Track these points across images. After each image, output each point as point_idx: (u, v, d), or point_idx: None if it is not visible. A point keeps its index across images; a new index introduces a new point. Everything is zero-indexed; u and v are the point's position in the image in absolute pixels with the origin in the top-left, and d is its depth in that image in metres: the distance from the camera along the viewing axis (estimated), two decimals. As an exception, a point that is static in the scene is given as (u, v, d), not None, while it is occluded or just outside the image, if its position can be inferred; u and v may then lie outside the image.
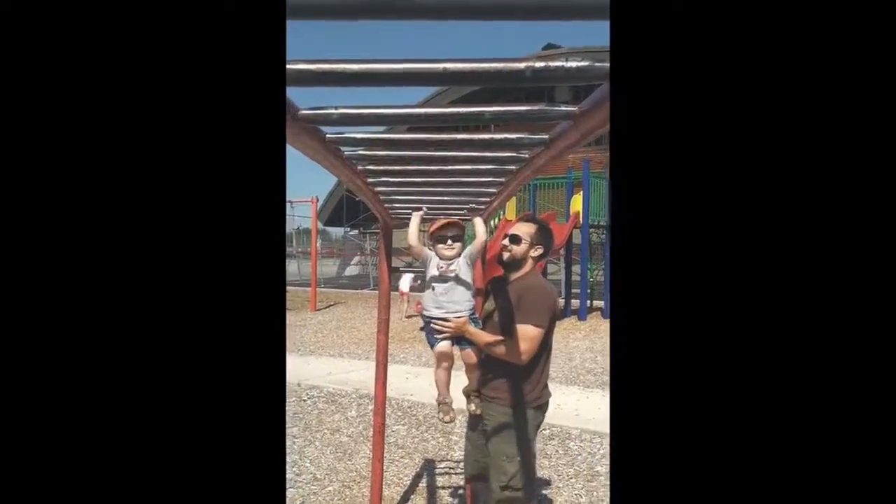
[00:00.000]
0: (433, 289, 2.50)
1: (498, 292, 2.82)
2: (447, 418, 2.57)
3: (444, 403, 2.59)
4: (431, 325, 2.54)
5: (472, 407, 2.73)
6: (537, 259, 2.83)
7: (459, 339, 2.58)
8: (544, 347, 2.75)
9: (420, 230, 2.47)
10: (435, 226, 2.52)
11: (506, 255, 2.78)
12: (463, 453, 3.31)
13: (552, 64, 0.80)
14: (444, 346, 2.54)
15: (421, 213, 2.46)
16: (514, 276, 2.79)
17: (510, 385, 2.72)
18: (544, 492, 4.09)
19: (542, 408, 2.86)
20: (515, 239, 2.76)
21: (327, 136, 1.27)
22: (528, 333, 2.61)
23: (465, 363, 2.66)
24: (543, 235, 2.82)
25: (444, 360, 2.56)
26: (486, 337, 2.62)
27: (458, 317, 2.51)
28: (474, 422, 2.96)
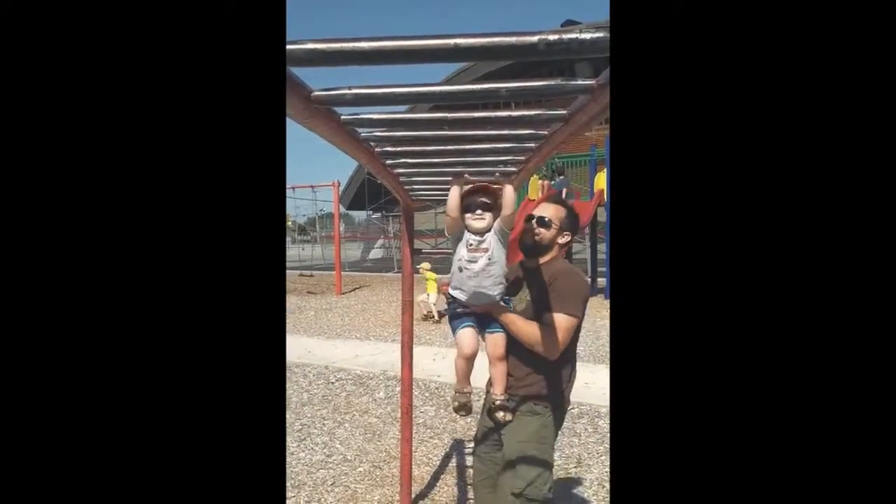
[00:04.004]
0: (461, 270, 2.17)
1: (522, 279, 2.53)
2: (462, 412, 2.29)
3: (460, 393, 2.31)
4: (456, 306, 2.27)
5: (501, 415, 2.30)
6: (563, 246, 2.55)
7: (488, 321, 2.31)
8: (576, 340, 2.45)
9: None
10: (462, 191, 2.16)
11: (531, 239, 2.48)
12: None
13: (566, 37, 0.78)
14: (466, 332, 2.24)
15: (461, 180, 2.09)
16: (538, 261, 2.50)
17: (541, 381, 2.40)
18: (574, 469, 4.09)
19: (566, 410, 2.56)
20: (545, 222, 2.47)
21: (342, 117, 1.26)
22: (561, 324, 2.31)
23: (490, 354, 2.32)
24: (571, 221, 2.55)
25: (466, 349, 2.25)
26: (518, 322, 2.30)
27: (489, 303, 2.23)
28: (487, 433, 2.58)
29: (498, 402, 2.30)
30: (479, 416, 2.75)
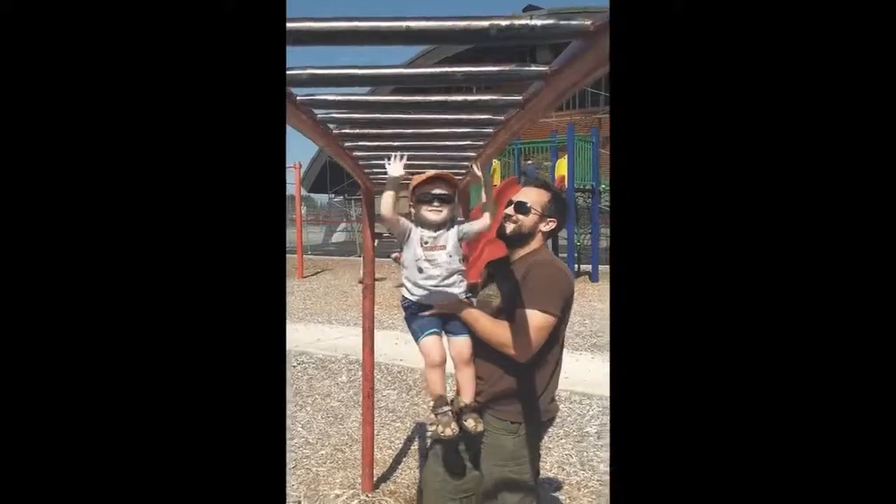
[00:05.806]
0: (420, 270, 2.00)
1: (497, 273, 2.29)
2: (447, 431, 1.96)
3: (440, 413, 2.01)
4: (415, 309, 2.07)
5: (471, 423, 1.99)
6: (548, 235, 2.27)
7: (452, 323, 2.10)
8: (555, 343, 2.17)
9: (400, 196, 1.97)
10: (419, 179, 1.99)
11: (509, 227, 2.22)
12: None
13: (517, 23, 0.79)
14: (431, 340, 2.04)
15: (398, 176, 1.89)
16: (519, 253, 2.24)
17: (513, 386, 2.15)
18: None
19: (549, 423, 2.29)
20: (523, 208, 2.20)
21: (298, 98, 1.25)
22: (534, 322, 2.02)
23: (455, 359, 2.10)
24: (558, 206, 2.26)
25: (434, 358, 2.04)
26: (482, 319, 2.07)
27: (451, 301, 2.05)
28: (448, 445, 2.31)
29: (467, 409, 2.05)
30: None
